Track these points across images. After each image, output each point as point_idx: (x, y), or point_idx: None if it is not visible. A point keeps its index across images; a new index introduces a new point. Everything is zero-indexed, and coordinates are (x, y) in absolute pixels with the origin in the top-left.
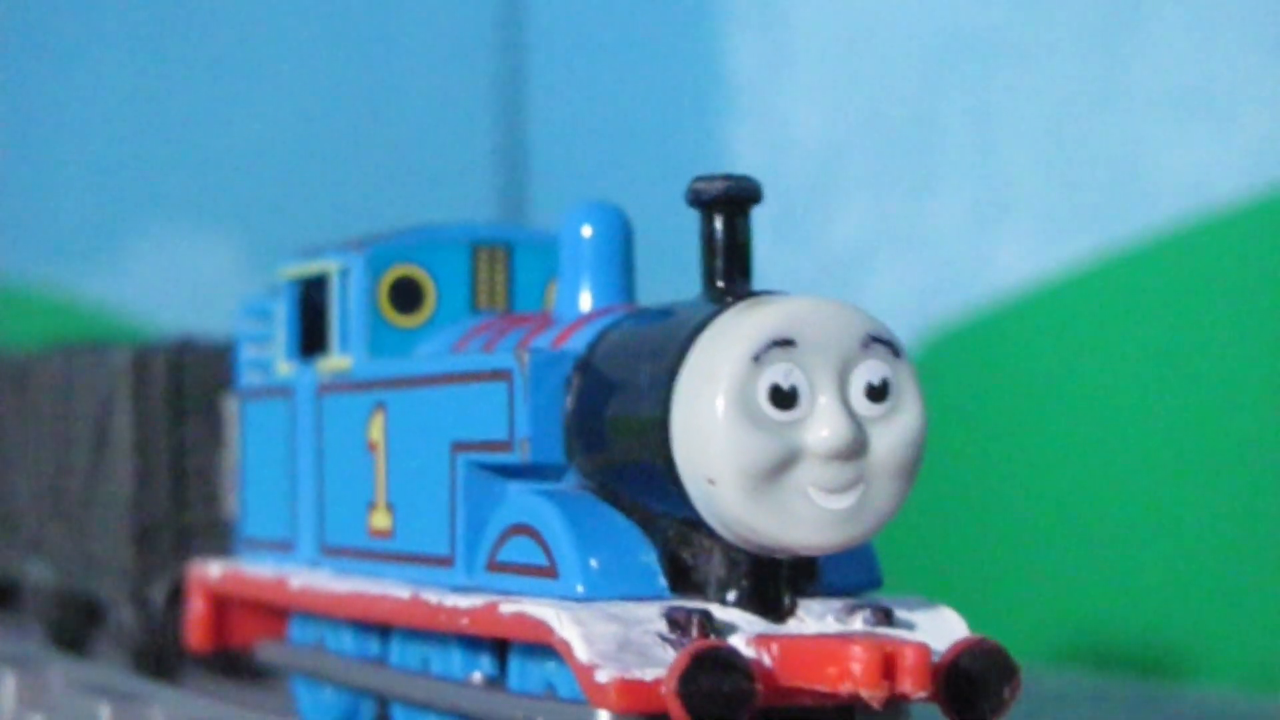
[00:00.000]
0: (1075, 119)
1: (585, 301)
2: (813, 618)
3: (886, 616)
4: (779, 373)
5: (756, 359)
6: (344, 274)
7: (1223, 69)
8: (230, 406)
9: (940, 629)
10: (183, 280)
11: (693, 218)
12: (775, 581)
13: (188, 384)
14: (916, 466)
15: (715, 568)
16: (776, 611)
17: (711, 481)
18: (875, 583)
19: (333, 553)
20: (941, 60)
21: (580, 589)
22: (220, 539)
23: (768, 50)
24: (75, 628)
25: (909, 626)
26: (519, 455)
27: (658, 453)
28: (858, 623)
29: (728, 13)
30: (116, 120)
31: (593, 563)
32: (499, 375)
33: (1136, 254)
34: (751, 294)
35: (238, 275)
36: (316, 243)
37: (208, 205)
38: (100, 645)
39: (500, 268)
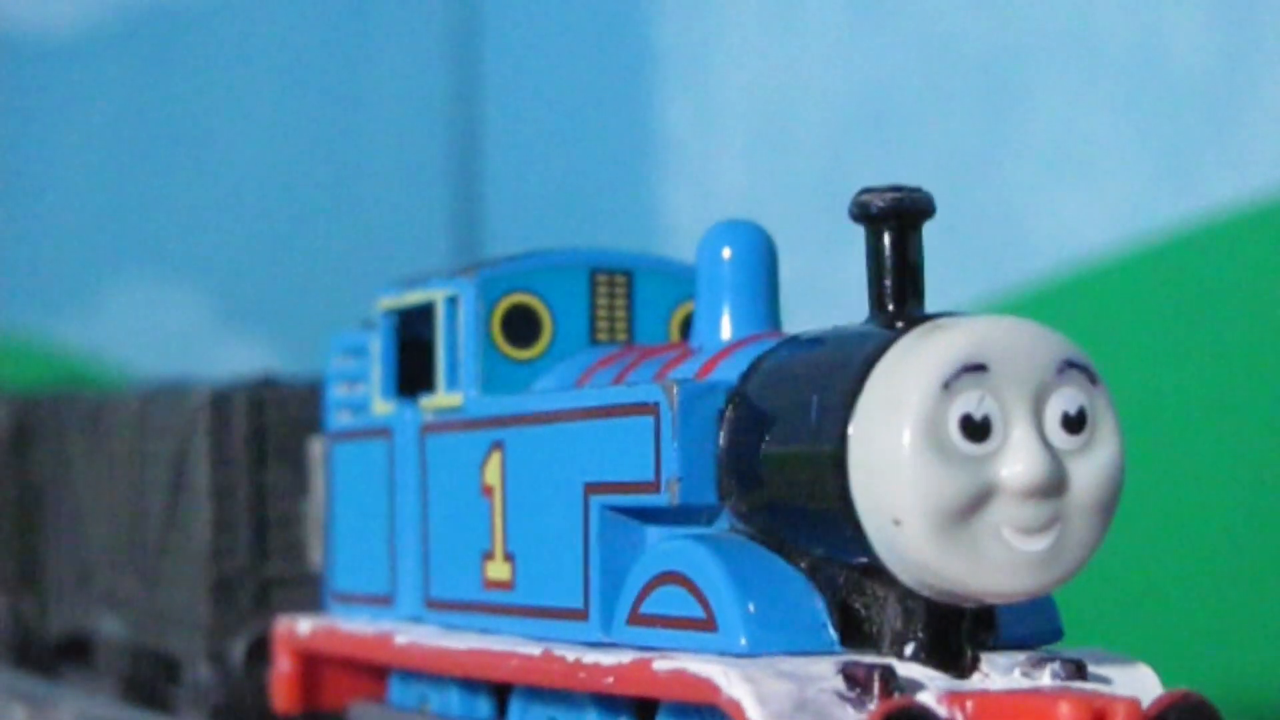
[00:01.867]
0: (964, 176)
1: (726, 330)
2: (998, 672)
3: (1079, 670)
4: (970, 401)
5: (946, 386)
6: (452, 303)
7: (1095, 132)
8: (316, 449)
9: (1135, 683)
10: (156, 329)
11: None
12: (956, 633)
13: (270, 425)
14: (1116, 504)
15: (890, 618)
16: (958, 666)
17: (897, 522)
18: (1056, 634)
19: (440, 607)
20: (850, 121)
21: (744, 642)
22: (304, 592)
23: (697, 110)
24: (149, 685)
25: (1103, 681)
26: (667, 497)
27: (831, 491)
28: (1046, 677)
29: (661, 75)
30: (94, 176)
31: (757, 613)
32: (642, 409)
33: (1014, 305)
34: (928, 316)
35: (208, 324)
36: (417, 271)
37: (179, 258)
38: (177, 705)
39: (620, 296)
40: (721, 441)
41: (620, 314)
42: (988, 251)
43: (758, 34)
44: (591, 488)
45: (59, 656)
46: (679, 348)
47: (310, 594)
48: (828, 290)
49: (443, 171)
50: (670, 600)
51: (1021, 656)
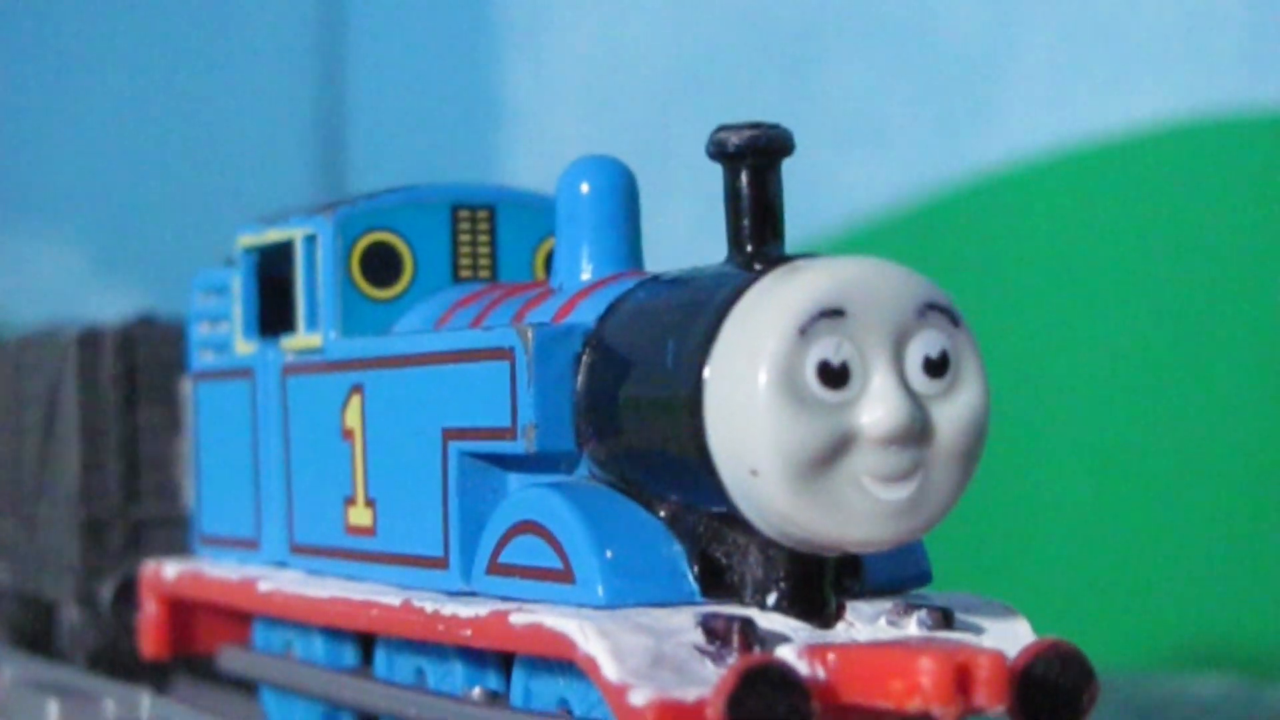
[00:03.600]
0: None
1: (586, 268)
2: (863, 621)
3: (946, 619)
4: (828, 347)
5: (802, 332)
6: (310, 241)
7: (881, 99)
8: (187, 388)
9: (1005, 632)
10: (31, 280)
11: None
12: (820, 581)
13: (140, 365)
14: (980, 449)
15: (752, 567)
16: (822, 615)
17: (754, 472)
18: (924, 578)
19: (303, 551)
20: (673, 84)
21: (601, 594)
22: (177, 534)
23: (536, 73)
24: (34, 629)
25: (972, 630)
26: (524, 444)
27: (688, 439)
28: (913, 626)
29: (502, 40)
30: None
31: (614, 564)
32: (499, 354)
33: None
34: (786, 258)
35: (83, 272)
36: (278, 208)
37: (50, 208)
38: (57, 649)
39: (483, 232)
40: (579, 386)
41: (484, 250)
42: (790, 208)
43: (587, 1)
44: (450, 433)
45: None
46: (539, 287)
47: (184, 536)
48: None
49: (307, 124)
50: (528, 550)
51: (888, 604)
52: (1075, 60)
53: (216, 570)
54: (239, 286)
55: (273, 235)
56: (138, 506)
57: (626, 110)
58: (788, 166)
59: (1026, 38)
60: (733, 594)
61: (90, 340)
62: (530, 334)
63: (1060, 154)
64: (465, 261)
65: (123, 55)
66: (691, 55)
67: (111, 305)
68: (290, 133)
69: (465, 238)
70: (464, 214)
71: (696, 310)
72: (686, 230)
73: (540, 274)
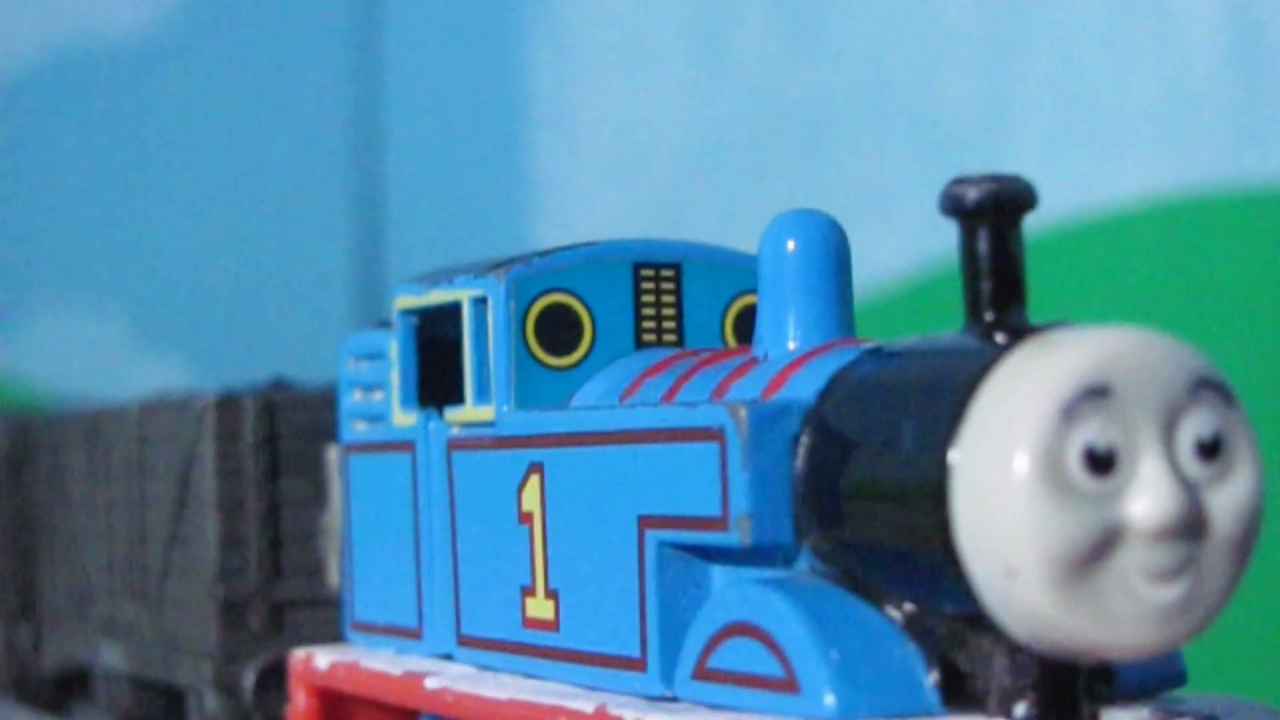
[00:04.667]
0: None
1: (794, 336)
2: None
3: None
4: (1093, 430)
5: (1066, 413)
6: (479, 304)
7: (889, 173)
8: (334, 457)
9: None
10: (74, 352)
11: None
12: (1072, 688)
13: (282, 432)
14: (1255, 540)
15: (998, 674)
16: None
17: (1010, 571)
18: (1179, 679)
19: (473, 644)
20: (693, 159)
21: (831, 706)
22: (322, 615)
23: (563, 148)
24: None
25: None
26: (737, 535)
27: (930, 533)
28: None
29: (532, 115)
30: (9, 202)
31: (845, 671)
32: (706, 434)
33: None
34: (1033, 327)
35: (124, 346)
36: (438, 267)
37: (95, 282)
38: None
39: (668, 292)
40: (798, 471)
41: (668, 313)
42: None
43: (613, 80)
44: (647, 521)
45: (57, 690)
46: (740, 355)
47: (329, 617)
48: None
49: (345, 195)
50: (743, 654)
51: (1145, 711)
52: (1068, 135)
53: (375, 661)
54: (396, 352)
55: (436, 296)
56: (280, 586)
57: (650, 182)
58: None
59: (1021, 113)
60: (975, 704)
61: (229, 406)
62: (744, 413)
63: (1054, 227)
64: (649, 325)
65: (161, 129)
66: (710, 130)
67: (151, 378)
68: (328, 204)
69: (649, 299)
70: (647, 273)
71: (938, 386)
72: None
73: (730, 339)
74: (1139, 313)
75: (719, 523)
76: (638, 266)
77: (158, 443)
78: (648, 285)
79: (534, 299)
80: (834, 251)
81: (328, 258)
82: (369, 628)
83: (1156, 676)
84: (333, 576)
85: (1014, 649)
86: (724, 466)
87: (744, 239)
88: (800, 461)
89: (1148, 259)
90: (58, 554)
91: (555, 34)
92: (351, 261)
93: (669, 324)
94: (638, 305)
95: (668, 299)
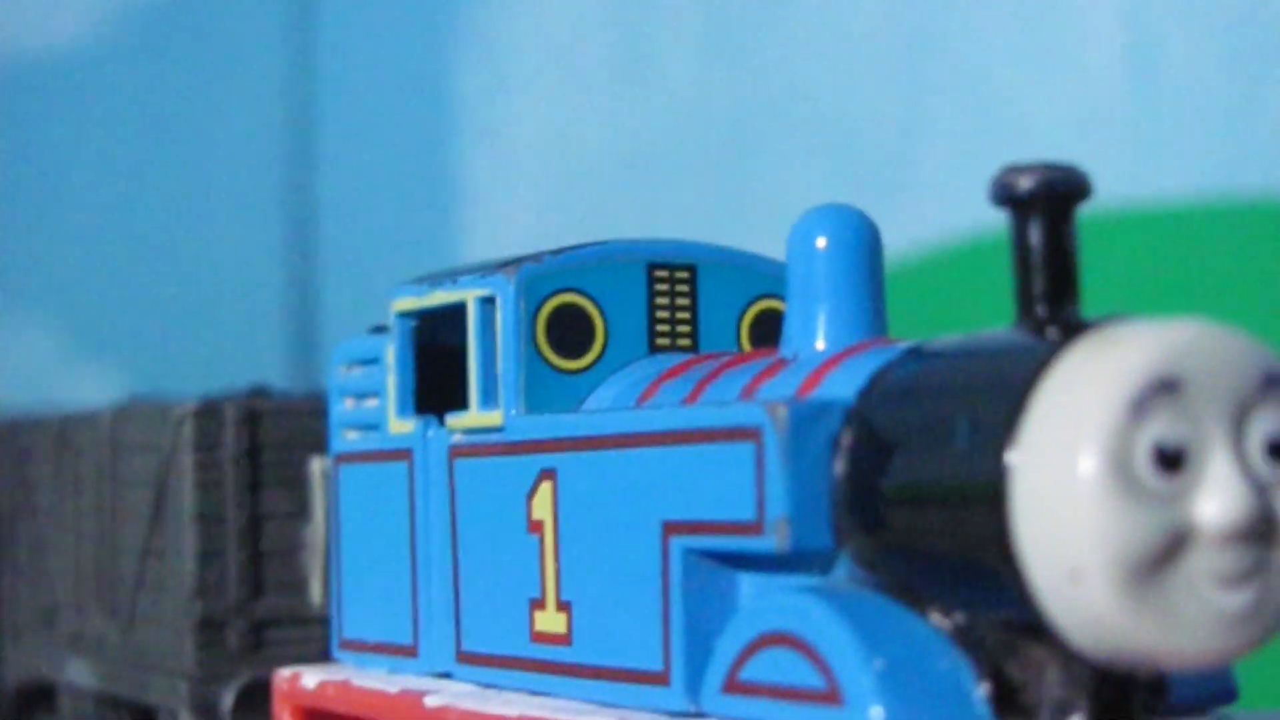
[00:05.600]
0: (709, 222)
1: (823, 336)
2: None
3: None
4: (1163, 426)
5: (1135, 408)
6: (487, 304)
7: (806, 184)
8: (317, 469)
9: None
10: (5, 360)
11: None
12: (1127, 702)
13: (264, 442)
14: None
15: (1050, 686)
16: None
17: (1075, 574)
18: (1230, 694)
19: (476, 661)
20: (617, 171)
21: (878, 716)
22: (304, 634)
23: (492, 158)
24: None
25: None
26: (774, 540)
27: (986, 536)
28: None
29: (461, 128)
30: None
31: (892, 683)
32: (740, 434)
33: None
34: (1087, 322)
35: (58, 355)
36: (439, 268)
37: (28, 290)
38: None
39: (683, 295)
40: (838, 473)
41: (683, 316)
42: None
43: (541, 92)
44: (672, 527)
45: (19, 706)
46: (767, 357)
47: (311, 636)
48: None
49: (277, 214)
50: (779, 665)
51: None
52: (977, 147)
53: (368, 680)
54: (394, 357)
55: (439, 298)
56: (260, 603)
57: (577, 192)
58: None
59: (933, 125)
60: (1027, 717)
61: (209, 414)
62: (783, 411)
63: (963, 241)
64: (663, 329)
65: (96, 138)
66: (635, 141)
67: (87, 388)
68: (262, 214)
69: (663, 300)
70: (661, 274)
71: (993, 384)
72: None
73: (746, 344)
74: None
75: (754, 527)
76: (652, 267)
77: (132, 451)
78: (662, 287)
79: (545, 299)
80: (866, 247)
81: (261, 266)
82: (359, 646)
83: (1208, 692)
84: (315, 594)
85: (1068, 659)
86: (760, 468)
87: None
88: (841, 463)
89: None
90: (21, 564)
91: (485, 47)
92: (284, 270)
93: (683, 327)
94: (651, 307)
95: (682, 301)
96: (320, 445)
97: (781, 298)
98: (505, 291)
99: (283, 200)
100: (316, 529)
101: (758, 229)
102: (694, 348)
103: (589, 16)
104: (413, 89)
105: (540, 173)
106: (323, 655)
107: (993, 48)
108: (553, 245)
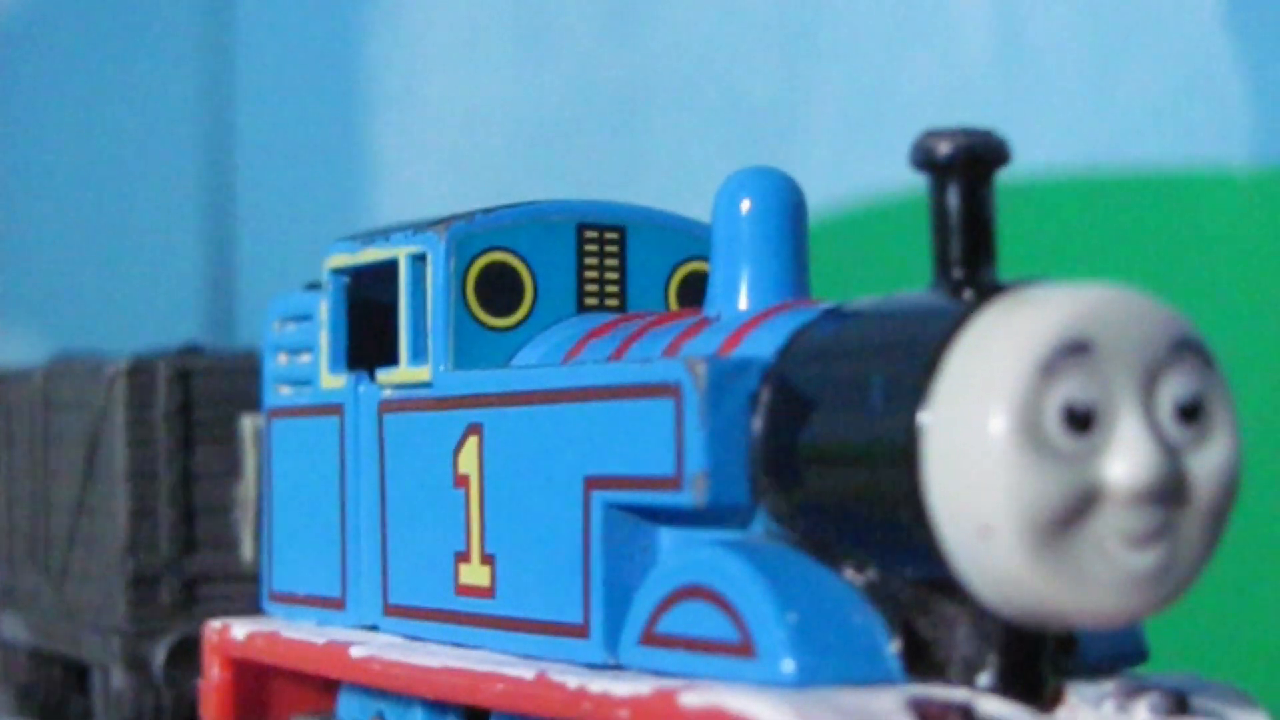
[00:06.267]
0: (604, 194)
1: (745, 297)
2: (1086, 705)
3: (1180, 705)
4: (1074, 387)
5: (1046, 368)
6: (417, 261)
7: (696, 158)
8: (248, 427)
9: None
10: None
11: None
12: (1037, 659)
13: (197, 400)
14: (1231, 507)
15: (960, 642)
16: (1040, 698)
17: (986, 531)
18: (1141, 655)
19: (401, 614)
20: (520, 143)
21: (790, 671)
22: (235, 590)
23: (402, 126)
24: (53, 695)
25: (1211, 718)
26: (691, 495)
27: (898, 494)
28: (1143, 712)
29: (372, 102)
30: None
31: (805, 636)
32: (660, 390)
33: None
34: (1003, 284)
35: None
36: (373, 226)
37: None
38: (86, 717)
39: (612, 255)
40: (756, 430)
41: (612, 276)
42: None
43: (448, 68)
44: (594, 482)
45: None
46: (691, 317)
47: (243, 593)
48: None
49: (195, 183)
50: (695, 618)
51: (1110, 685)
52: (856, 124)
53: (296, 632)
54: (326, 313)
55: (370, 254)
56: (192, 560)
57: (483, 164)
58: None
59: (816, 102)
60: (937, 672)
61: (141, 371)
62: (703, 368)
63: (843, 209)
64: (591, 289)
65: (14, 107)
66: (536, 116)
67: (9, 348)
68: (179, 183)
69: (592, 261)
70: (591, 234)
71: (908, 344)
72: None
73: (674, 304)
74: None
75: (672, 482)
76: (582, 228)
77: (64, 408)
78: (591, 247)
79: (474, 257)
80: (790, 211)
81: (179, 227)
82: (288, 598)
83: (1119, 652)
84: (247, 550)
85: (978, 616)
86: (679, 424)
87: None
88: (758, 421)
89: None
90: None
91: (395, 20)
92: (202, 231)
93: (612, 288)
94: (580, 267)
95: (611, 262)
96: (252, 403)
97: (707, 259)
98: (436, 249)
99: (200, 164)
100: (248, 486)
101: (652, 196)
102: (622, 308)
103: None
104: (326, 59)
105: (446, 140)
106: (253, 612)
107: (870, 22)
108: (459, 209)
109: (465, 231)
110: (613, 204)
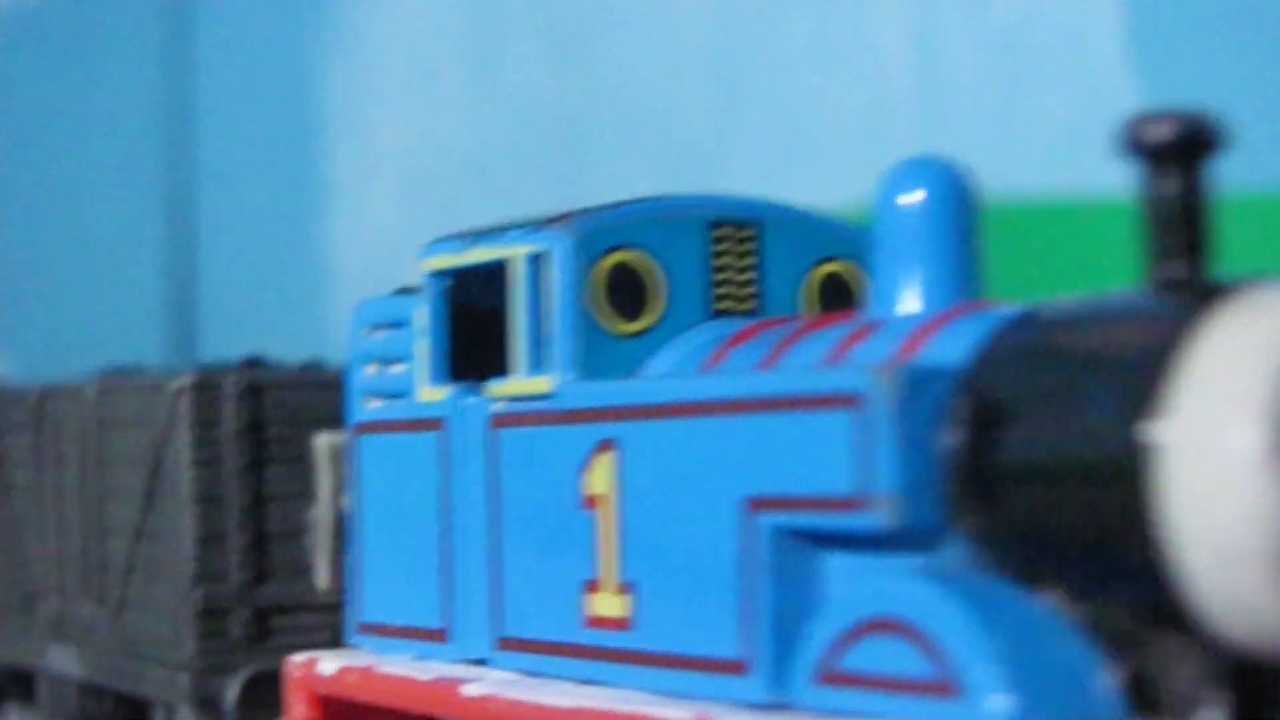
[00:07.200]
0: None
1: (913, 298)
2: None
3: None
4: None
5: None
6: (537, 260)
7: (629, 183)
8: (323, 446)
9: None
10: None
11: None
12: (1272, 695)
13: (267, 417)
14: None
15: (1185, 677)
16: None
17: (1229, 557)
18: None
19: (518, 647)
20: (470, 169)
21: (1002, 709)
22: (311, 621)
23: (356, 157)
24: None
25: None
26: (879, 516)
27: (1126, 515)
28: None
29: (327, 126)
30: None
31: (1018, 674)
32: (839, 401)
33: None
34: (1221, 285)
35: None
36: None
37: None
38: None
39: (747, 254)
40: (949, 445)
41: (746, 277)
42: None
43: (401, 97)
44: (758, 503)
45: None
46: (852, 320)
47: (319, 624)
48: None
49: (155, 200)
50: (885, 655)
51: None
52: (784, 148)
53: (393, 667)
54: (426, 319)
55: (478, 254)
56: (264, 589)
57: (435, 191)
58: None
59: (748, 127)
60: (1158, 710)
61: (208, 387)
62: (894, 375)
63: None
64: (724, 291)
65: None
66: (486, 143)
67: None
68: (139, 200)
69: (724, 260)
70: (724, 232)
71: (1132, 351)
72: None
73: (810, 310)
74: None
75: (854, 503)
76: (713, 224)
77: (120, 426)
78: (724, 246)
79: (602, 255)
80: (962, 202)
81: (139, 249)
82: (380, 630)
83: None
84: (322, 578)
85: (1205, 649)
86: (865, 437)
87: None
88: (952, 434)
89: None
90: None
91: (350, 57)
92: (162, 259)
93: (746, 290)
94: (712, 268)
95: (745, 262)
96: (324, 420)
97: (849, 261)
98: (560, 247)
99: (161, 188)
100: (323, 509)
101: None
102: (756, 313)
103: (445, 22)
104: (283, 88)
105: (399, 167)
106: (329, 644)
107: (796, 51)
108: (412, 237)
109: (592, 227)
110: (746, 199)
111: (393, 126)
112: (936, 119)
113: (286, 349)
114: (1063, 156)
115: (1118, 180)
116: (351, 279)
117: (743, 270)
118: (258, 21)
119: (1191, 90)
